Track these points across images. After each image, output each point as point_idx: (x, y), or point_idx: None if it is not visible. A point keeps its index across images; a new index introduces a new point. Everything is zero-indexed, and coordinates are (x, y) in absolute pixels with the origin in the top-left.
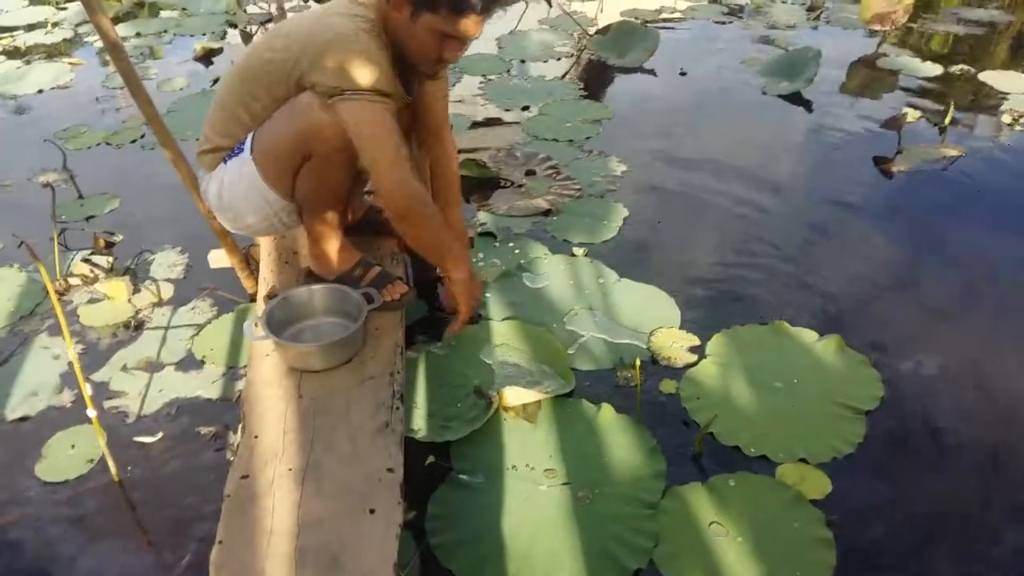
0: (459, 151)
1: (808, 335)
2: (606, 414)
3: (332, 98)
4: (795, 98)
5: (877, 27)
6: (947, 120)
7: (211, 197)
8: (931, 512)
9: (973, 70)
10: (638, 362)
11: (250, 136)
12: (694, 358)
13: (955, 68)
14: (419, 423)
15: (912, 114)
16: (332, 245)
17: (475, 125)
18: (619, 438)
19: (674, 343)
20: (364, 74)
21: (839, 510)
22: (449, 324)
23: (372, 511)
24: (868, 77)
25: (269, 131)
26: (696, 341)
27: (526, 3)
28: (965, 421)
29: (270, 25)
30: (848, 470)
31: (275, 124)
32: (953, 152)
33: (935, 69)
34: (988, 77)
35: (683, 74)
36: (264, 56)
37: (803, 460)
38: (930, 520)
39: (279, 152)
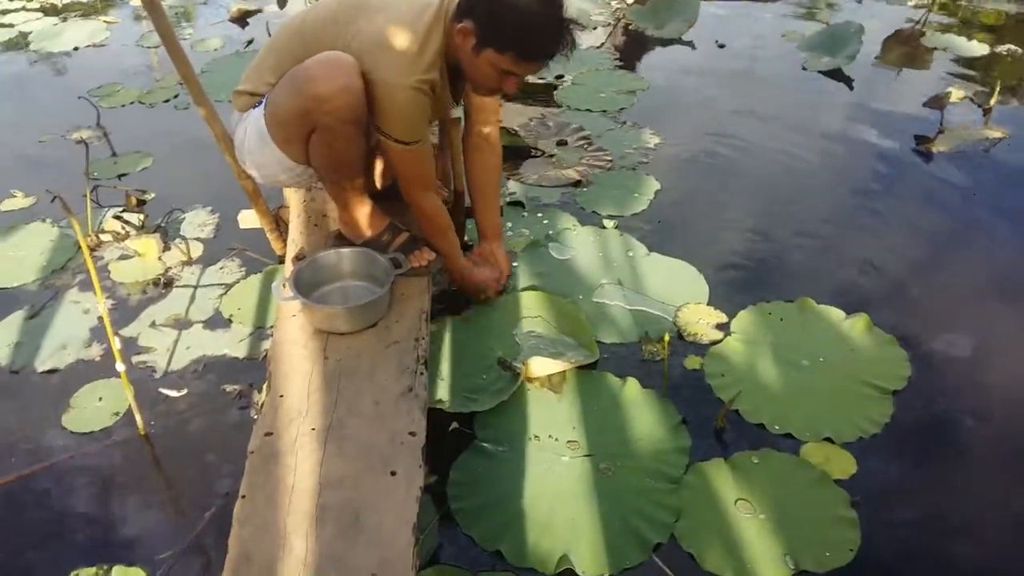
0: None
1: (835, 313)
2: (631, 388)
3: (378, 132)
4: (836, 74)
5: None
6: (992, 101)
7: (236, 138)
8: (957, 495)
9: (1021, 50)
10: (667, 337)
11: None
12: (720, 335)
13: (1002, 48)
14: (444, 394)
15: (956, 94)
16: (359, 210)
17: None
18: (643, 412)
19: (701, 319)
20: (398, 129)
21: (864, 491)
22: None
23: (393, 473)
24: (911, 55)
25: (277, 97)
26: (724, 318)
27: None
28: (993, 403)
29: None
30: (874, 450)
31: (281, 90)
32: (996, 134)
33: (981, 48)
34: None
35: (721, 46)
36: (326, 27)
37: (828, 439)
38: (955, 503)
39: (284, 119)
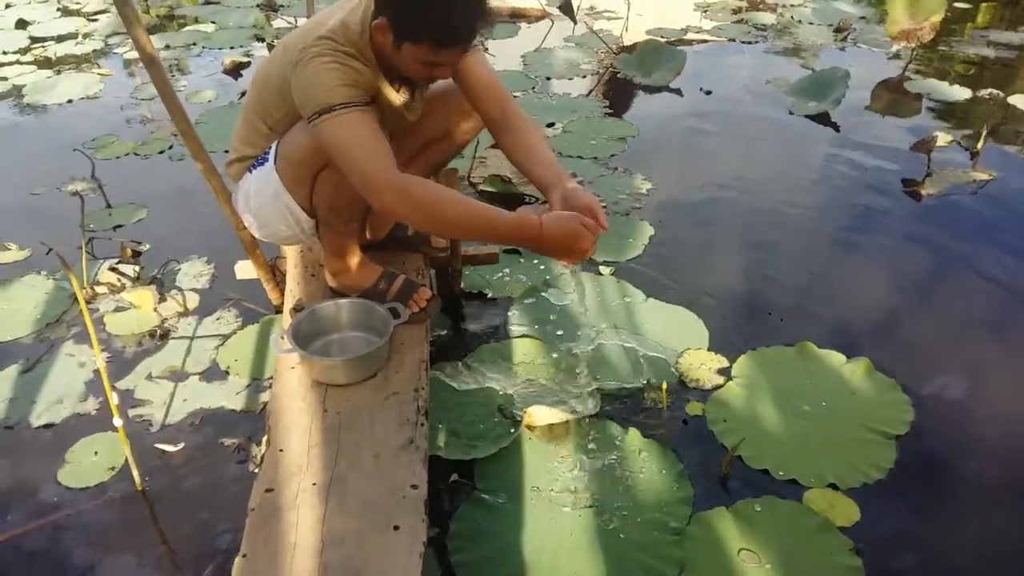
0: (483, 167)
1: (836, 357)
2: (632, 436)
3: (310, 123)
4: (822, 119)
5: (903, 43)
6: (979, 144)
7: (240, 205)
8: (961, 541)
9: (1002, 94)
10: (665, 385)
11: (275, 145)
12: (722, 380)
13: (984, 92)
14: (442, 441)
15: (943, 138)
16: (351, 261)
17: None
18: (645, 461)
19: (703, 364)
20: (316, 96)
21: (868, 538)
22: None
23: (396, 528)
24: (896, 100)
25: (292, 138)
26: (725, 363)
27: (552, 21)
28: (997, 447)
29: None
30: (878, 496)
31: (296, 132)
32: (984, 176)
33: (963, 92)
34: (1018, 101)
35: (708, 93)
36: (272, 71)
37: (832, 485)
38: (960, 549)
39: (299, 159)
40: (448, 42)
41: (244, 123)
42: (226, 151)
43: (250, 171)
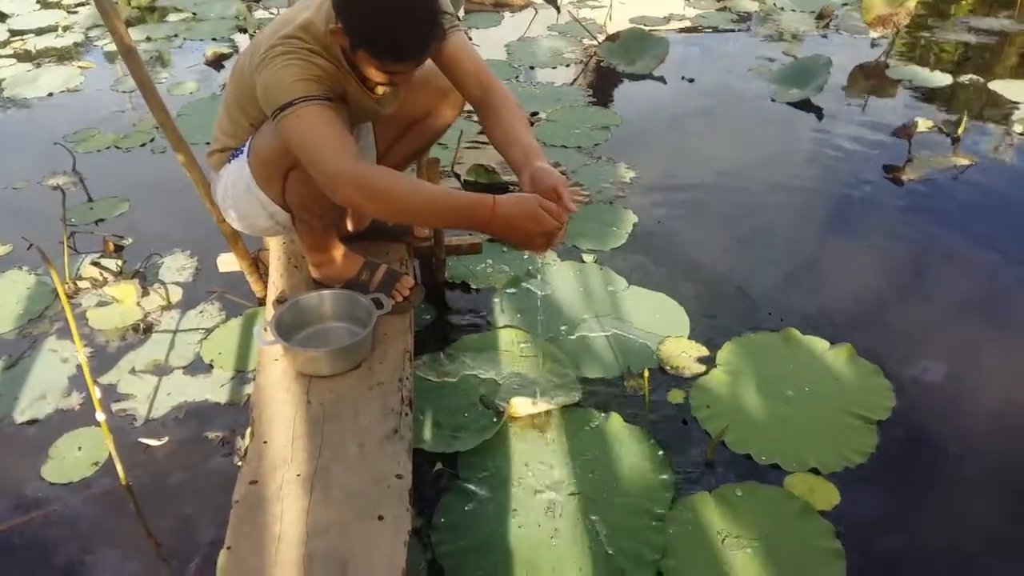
0: (466, 157)
1: (819, 343)
2: (614, 423)
3: (273, 120)
4: (805, 105)
5: (880, 29)
6: (960, 130)
7: (218, 196)
8: (941, 525)
9: (983, 80)
10: (647, 372)
11: (249, 139)
12: (703, 368)
13: (964, 77)
14: (426, 433)
15: (924, 123)
16: (332, 253)
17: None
18: (627, 448)
19: (683, 352)
20: (276, 93)
21: (848, 522)
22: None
23: (380, 518)
24: (877, 85)
25: (260, 138)
26: (705, 351)
27: (535, 10)
28: (977, 432)
29: None
30: (859, 481)
31: (264, 132)
32: (964, 161)
33: (944, 78)
34: (998, 86)
35: (690, 81)
36: (246, 68)
37: (814, 470)
38: (940, 533)
39: (267, 159)
40: (394, 59)
41: (225, 114)
42: (207, 143)
43: (229, 161)
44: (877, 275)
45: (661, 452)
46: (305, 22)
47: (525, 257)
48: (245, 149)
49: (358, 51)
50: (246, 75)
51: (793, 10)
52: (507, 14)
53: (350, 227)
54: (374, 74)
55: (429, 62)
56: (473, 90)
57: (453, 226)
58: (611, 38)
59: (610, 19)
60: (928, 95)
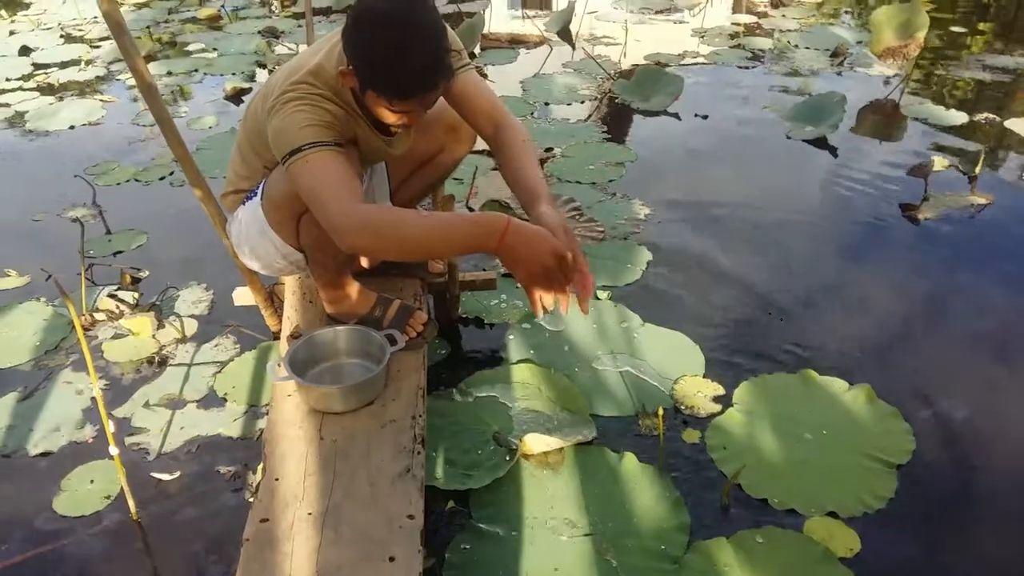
0: (481, 192)
1: (837, 384)
2: (629, 463)
3: (283, 164)
4: (820, 143)
5: (889, 61)
6: (978, 169)
7: (233, 236)
8: (964, 573)
9: (998, 118)
10: (661, 411)
11: (263, 182)
12: (718, 408)
13: (980, 116)
14: (439, 470)
15: (940, 162)
16: (346, 290)
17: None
18: (642, 488)
19: (698, 392)
20: (286, 140)
21: (869, 569)
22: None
23: (392, 559)
24: (892, 123)
25: (272, 183)
26: (721, 391)
27: (550, 46)
28: (999, 476)
29: None
30: (878, 526)
31: (276, 177)
32: (981, 200)
33: (960, 117)
34: (1015, 125)
35: (704, 117)
36: (259, 110)
37: (832, 514)
38: None
39: (280, 203)
40: (399, 98)
41: (238, 157)
42: (224, 177)
43: (243, 203)
44: (895, 315)
45: (676, 493)
46: (316, 67)
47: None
48: (259, 192)
49: (367, 91)
50: (259, 118)
51: (807, 48)
52: (523, 50)
53: (364, 264)
54: (385, 114)
55: (440, 101)
56: (486, 128)
57: (466, 249)
58: (626, 75)
59: (624, 56)
60: (943, 133)
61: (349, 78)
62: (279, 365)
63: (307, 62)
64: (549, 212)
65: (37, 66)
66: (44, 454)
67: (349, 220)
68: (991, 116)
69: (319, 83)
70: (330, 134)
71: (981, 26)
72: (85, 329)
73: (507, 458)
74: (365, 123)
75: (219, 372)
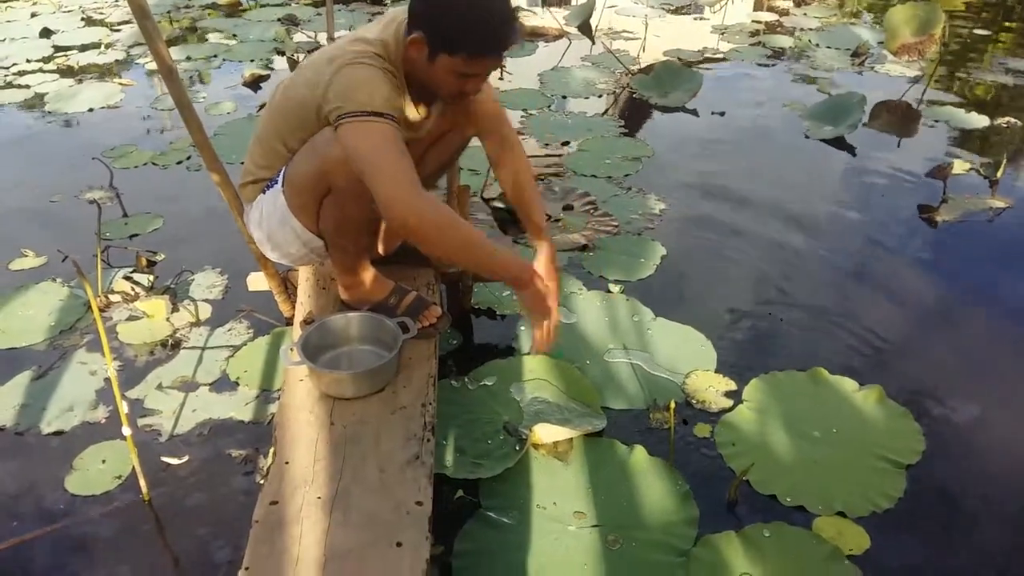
0: (496, 183)
1: (848, 384)
2: (638, 456)
3: (335, 125)
4: (838, 142)
5: (905, 57)
6: (999, 172)
7: (252, 226)
8: (972, 574)
9: (1020, 122)
10: (673, 404)
11: (284, 169)
12: (730, 403)
13: (1001, 120)
14: (449, 459)
15: (960, 165)
16: (363, 276)
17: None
18: (651, 481)
19: (710, 386)
20: (360, 97)
21: (876, 568)
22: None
23: (399, 544)
24: (912, 125)
25: (295, 166)
26: (733, 386)
27: (569, 40)
28: (1008, 478)
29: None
30: (887, 526)
31: (299, 159)
32: (1000, 204)
33: (981, 120)
34: None
35: (722, 114)
36: (288, 94)
37: (841, 513)
38: None
39: (303, 186)
40: (483, 51)
41: (259, 146)
42: (242, 162)
43: (264, 192)
44: (908, 316)
45: (686, 487)
46: (380, 40)
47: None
48: (280, 179)
49: (439, 56)
50: (293, 100)
51: (828, 47)
52: (541, 44)
53: (381, 250)
54: (448, 81)
55: None
56: (492, 140)
57: (489, 274)
58: (644, 70)
59: (643, 51)
60: (964, 136)
61: (419, 46)
62: (292, 350)
63: (365, 34)
64: (547, 249)
65: (57, 48)
66: (57, 433)
67: (407, 202)
68: (1012, 120)
69: (386, 55)
70: (397, 111)
71: (1004, 29)
72: (100, 310)
73: (517, 448)
74: (410, 102)
75: (232, 356)
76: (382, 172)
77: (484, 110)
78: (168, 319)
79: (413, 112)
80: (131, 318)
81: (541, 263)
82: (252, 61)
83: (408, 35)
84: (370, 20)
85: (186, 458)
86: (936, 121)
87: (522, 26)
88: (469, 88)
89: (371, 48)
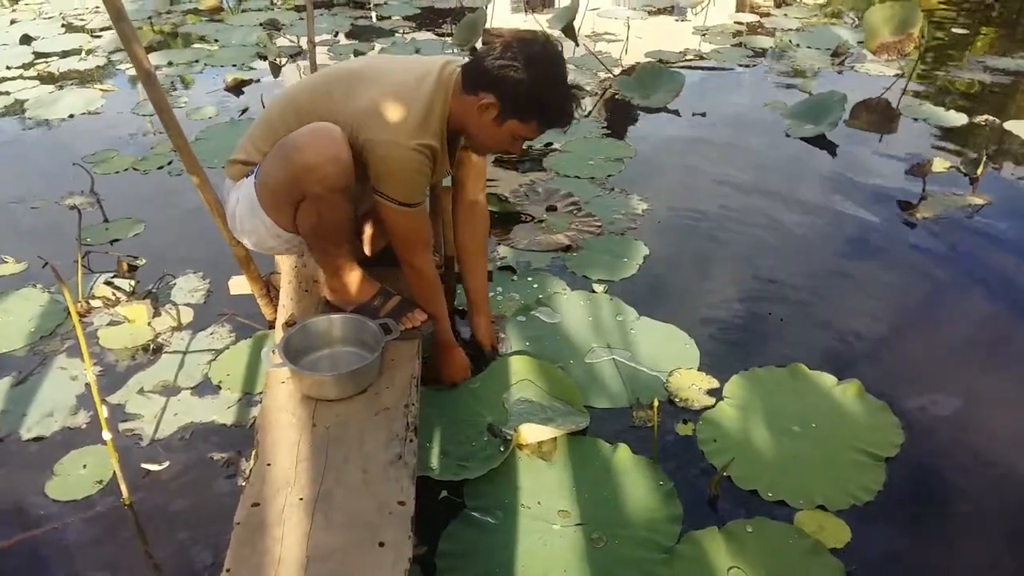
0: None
1: (827, 379)
2: (622, 454)
3: (377, 194)
4: (819, 141)
5: (884, 56)
6: (979, 170)
7: (228, 207)
8: (952, 565)
9: (998, 120)
10: (656, 402)
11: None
12: (712, 401)
13: (980, 118)
14: (433, 461)
15: (939, 163)
16: (348, 276)
17: (498, 159)
18: (635, 479)
19: (693, 384)
20: (396, 190)
21: (858, 560)
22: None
23: (382, 544)
24: (891, 123)
25: (267, 168)
26: (715, 384)
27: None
28: (986, 469)
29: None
30: (868, 518)
31: (271, 162)
32: (978, 201)
33: (960, 118)
34: (1014, 126)
35: (703, 115)
36: (315, 99)
37: (821, 507)
38: (951, 573)
39: (274, 188)
40: (555, 124)
41: (266, 128)
42: (223, 167)
43: (246, 176)
44: (886, 312)
45: (669, 484)
46: (426, 111)
47: (535, 286)
48: (256, 170)
49: (508, 122)
50: (323, 107)
51: (808, 47)
52: None
53: (367, 251)
54: (505, 141)
55: None
56: (466, 197)
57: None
58: (626, 71)
59: (626, 53)
60: (944, 134)
61: (488, 109)
62: (273, 352)
63: (414, 94)
64: (485, 326)
65: (38, 55)
66: (37, 439)
67: (424, 266)
68: (991, 118)
69: (426, 135)
70: (427, 191)
71: (983, 28)
72: (81, 316)
73: (501, 449)
74: (446, 153)
75: (214, 360)
76: (413, 246)
77: (472, 171)
78: (150, 324)
79: (447, 164)
80: (112, 323)
81: (481, 327)
82: (234, 66)
83: (470, 93)
84: (353, 25)
85: (166, 464)
86: (916, 119)
87: (579, 99)
88: (516, 148)
89: (415, 124)
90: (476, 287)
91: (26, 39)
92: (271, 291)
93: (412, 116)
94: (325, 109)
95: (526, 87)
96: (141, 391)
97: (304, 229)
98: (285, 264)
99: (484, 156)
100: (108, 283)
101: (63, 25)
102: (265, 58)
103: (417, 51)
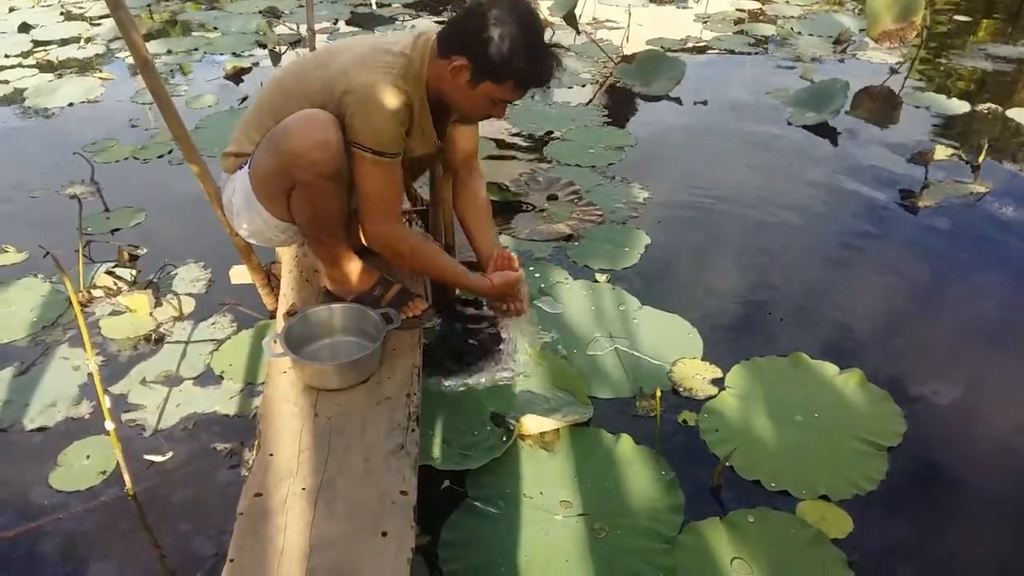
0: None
1: (829, 368)
2: (624, 444)
3: (352, 146)
4: (821, 129)
5: (886, 44)
6: (981, 158)
7: (224, 199)
8: (954, 552)
9: (1000, 108)
10: (659, 392)
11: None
12: (715, 390)
13: (982, 106)
14: (435, 451)
15: (942, 151)
16: (347, 266)
17: (499, 148)
18: (637, 469)
19: (696, 374)
20: (371, 136)
21: (861, 550)
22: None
23: (384, 533)
24: (894, 111)
25: (258, 156)
26: (718, 373)
27: (553, 30)
28: (988, 458)
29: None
30: (870, 508)
31: (262, 152)
32: (981, 188)
33: (962, 106)
34: (1017, 114)
35: (704, 103)
36: (302, 78)
37: (824, 497)
38: (952, 561)
39: (265, 177)
40: (530, 83)
41: (256, 116)
42: (224, 155)
43: (240, 168)
44: (889, 300)
45: (671, 474)
46: (406, 59)
47: (537, 276)
48: (249, 161)
49: (482, 83)
50: (310, 85)
51: (810, 35)
52: None
53: (364, 240)
54: (481, 105)
55: None
56: (462, 164)
57: (462, 287)
58: (627, 59)
59: (627, 40)
60: (946, 122)
61: (461, 71)
62: (275, 341)
63: (390, 48)
64: (484, 286)
65: (37, 43)
66: (40, 429)
67: (385, 233)
68: (993, 106)
69: (406, 83)
70: (402, 145)
71: (986, 16)
72: (82, 306)
73: (504, 439)
74: (429, 119)
75: (216, 350)
76: (373, 203)
77: (468, 135)
78: (151, 313)
79: (430, 128)
80: (114, 313)
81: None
82: (234, 54)
83: (444, 58)
84: (353, 12)
85: (169, 454)
86: (918, 107)
87: (560, 58)
88: (498, 112)
89: (393, 68)
90: (484, 247)
91: (25, 27)
92: (272, 281)
93: (390, 64)
94: (311, 79)
95: (495, 46)
96: (143, 381)
97: (299, 219)
98: (286, 254)
99: (473, 124)
100: (109, 272)
101: (62, 13)
102: (264, 46)
103: None
